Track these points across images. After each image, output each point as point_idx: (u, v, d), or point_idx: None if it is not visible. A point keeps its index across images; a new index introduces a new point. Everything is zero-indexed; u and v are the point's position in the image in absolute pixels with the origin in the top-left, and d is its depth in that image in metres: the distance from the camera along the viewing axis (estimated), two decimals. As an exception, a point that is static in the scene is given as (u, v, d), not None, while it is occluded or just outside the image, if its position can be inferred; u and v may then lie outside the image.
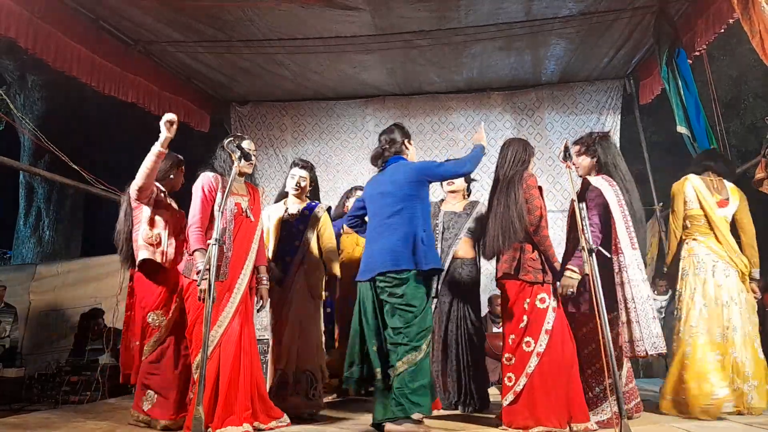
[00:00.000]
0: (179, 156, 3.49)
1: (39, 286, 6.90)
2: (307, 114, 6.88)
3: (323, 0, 4.58)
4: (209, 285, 2.60)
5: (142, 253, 3.14)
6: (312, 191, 3.83)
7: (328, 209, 3.87)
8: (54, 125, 7.97)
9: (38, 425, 3.23)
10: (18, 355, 5.92)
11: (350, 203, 4.40)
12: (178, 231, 3.31)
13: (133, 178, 3.18)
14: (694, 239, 3.56)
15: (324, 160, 6.66)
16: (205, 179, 3.08)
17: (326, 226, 3.76)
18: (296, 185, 3.68)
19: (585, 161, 3.29)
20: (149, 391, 3.16)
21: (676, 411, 3.33)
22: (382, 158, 3.23)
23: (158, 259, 3.18)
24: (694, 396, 3.23)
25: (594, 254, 2.64)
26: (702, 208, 3.54)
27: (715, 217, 3.50)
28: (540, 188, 3.18)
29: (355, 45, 5.36)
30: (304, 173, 3.71)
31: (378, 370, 2.92)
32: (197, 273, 2.84)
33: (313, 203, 3.77)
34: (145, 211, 3.22)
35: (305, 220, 3.68)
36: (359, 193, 4.19)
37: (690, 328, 3.39)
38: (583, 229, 2.67)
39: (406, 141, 3.23)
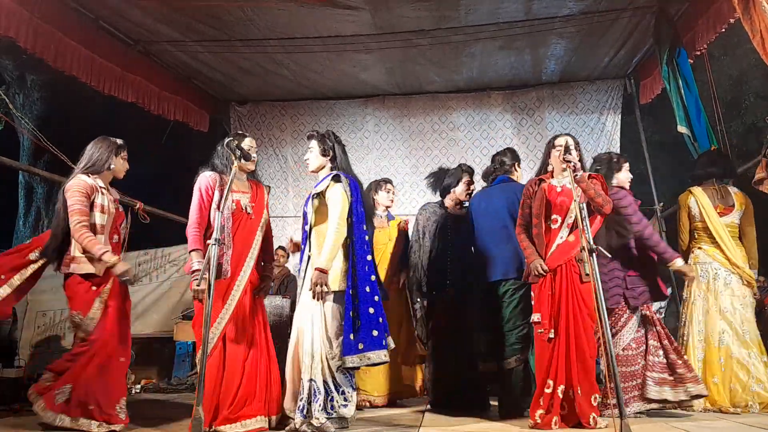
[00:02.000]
0: (116, 141, 3.30)
1: (37, 285, 6.86)
2: (306, 113, 6.87)
3: (323, -1, 4.58)
4: (209, 285, 2.60)
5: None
6: (333, 161, 3.15)
7: (335, 177, 3.04)
8: (53, 125, 7.95)
9: (37, 426, 3.21)
10: (17, 356, 5.90)
11: (379, 197, 4.26)
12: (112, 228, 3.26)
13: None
14: (699, 248, 3.70)
15: (324, 160, 6.65)
16: (202, 179, 3.08)
17: (331, 198, 2.98)
18: (305, 160, 3.21)
19: None
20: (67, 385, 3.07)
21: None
22: (492, 176, 3.80)
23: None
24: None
25: (594, 254, 2.64)
26: (703, 219, 3.67)
27: (718, 228, 3.62)
28: (538, 181, 3.20)
29: (354, 44, 5.36)
30: (312, 143, 3.17)
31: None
32: (191, 272, 2.90)
33: (328, 174, 3.10)
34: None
35: (310, 197, 3.11)
36: (388, 186, 4.30)
37: (697, 333, 3.53)
38: (582, 228, 2.67)
39: (516, 164, 3.77)
